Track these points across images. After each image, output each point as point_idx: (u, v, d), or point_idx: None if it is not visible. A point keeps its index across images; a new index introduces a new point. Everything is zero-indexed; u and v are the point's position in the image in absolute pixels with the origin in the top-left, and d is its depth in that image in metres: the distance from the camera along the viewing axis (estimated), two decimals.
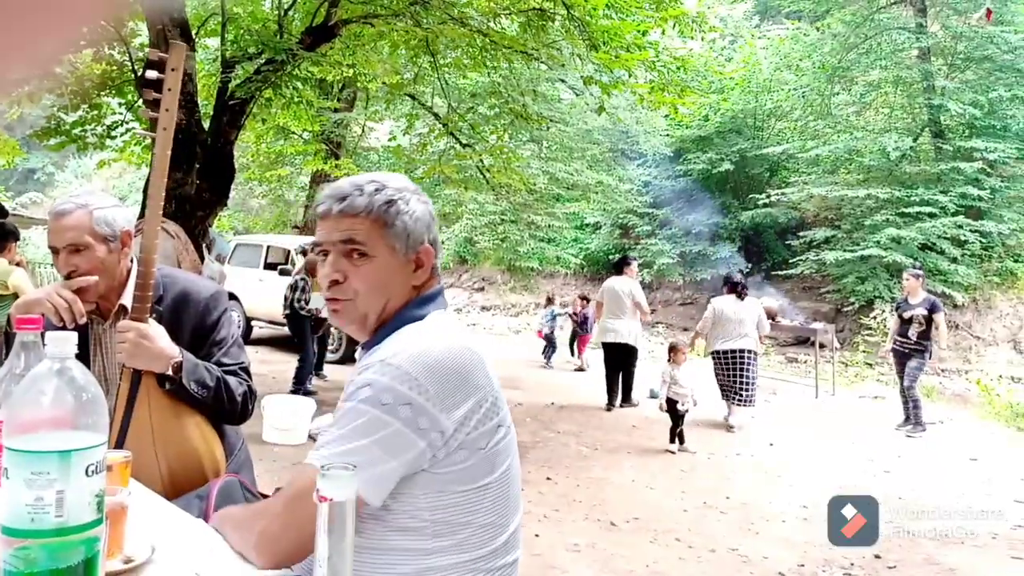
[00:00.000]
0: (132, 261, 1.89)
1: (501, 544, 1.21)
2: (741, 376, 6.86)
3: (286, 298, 7.38)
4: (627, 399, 7.67)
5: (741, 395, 6.86)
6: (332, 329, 9.20)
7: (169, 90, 1.58)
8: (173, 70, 1.58)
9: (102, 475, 0.90)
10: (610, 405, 7.56)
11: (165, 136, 1.61)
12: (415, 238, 1.25)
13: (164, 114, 1.59)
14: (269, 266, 10.38)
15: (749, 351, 6.89)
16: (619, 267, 7.93)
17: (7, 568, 0.84)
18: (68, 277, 1.77)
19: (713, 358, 7.09)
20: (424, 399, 1.11)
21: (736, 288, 7.10)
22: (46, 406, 0.88)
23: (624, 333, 7.43)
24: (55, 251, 1.79)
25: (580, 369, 10.24)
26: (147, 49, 6.96)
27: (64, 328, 1.68)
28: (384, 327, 1.25)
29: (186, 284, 1.90)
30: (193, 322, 1.86)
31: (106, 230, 1.80)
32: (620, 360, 7.56)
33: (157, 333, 1.72)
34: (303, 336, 7.31)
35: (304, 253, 8.43)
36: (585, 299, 10.58)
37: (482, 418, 1.18)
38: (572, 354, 10.75)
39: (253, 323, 10.56)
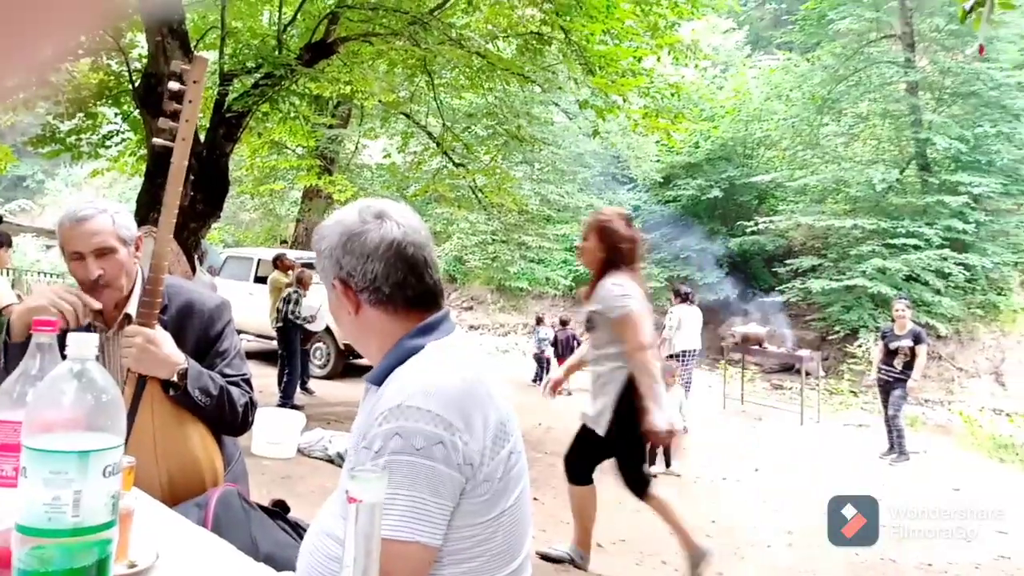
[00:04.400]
0: (137, 270, 1.90)
1: (513, 570, 1.21)
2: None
3: (279, 310, 7.31)
4: None
5: None
6: (320, 344, 9.19)
7: (190, 101, 1.61)
8: (195, 82, 1.61)
9: (118, 477, 0.91)
10: None
11: (183, 146, 1.63)
12: (327, 273, 1.25)
13: (184, 124, 1.61)
14: (259, 279, 10.34)
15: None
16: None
17: (22, 567, 0.84)
18: (96, 281, 1.75)
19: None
20: (450, 434, 1.09)
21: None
22: (66, 406, 0.88)
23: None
24: (79, 256, 1.75)
25: (567, 393, 9.93)
26: (145, 60, 6.98)
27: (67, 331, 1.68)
28: (386, 357, 1.23)
29: (191, 295, 1.91)
30: (197, 332, 1.86)
31: (127, 234, 1.81)
32: None
33: (164, 339, 1.73)
34: (292, 349, 7.25)
35: (276, 262, 8.32)
36: (564, 323, 10.34)
37: (494, 447, 1.16)
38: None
39: (242, 336, 10.50)
